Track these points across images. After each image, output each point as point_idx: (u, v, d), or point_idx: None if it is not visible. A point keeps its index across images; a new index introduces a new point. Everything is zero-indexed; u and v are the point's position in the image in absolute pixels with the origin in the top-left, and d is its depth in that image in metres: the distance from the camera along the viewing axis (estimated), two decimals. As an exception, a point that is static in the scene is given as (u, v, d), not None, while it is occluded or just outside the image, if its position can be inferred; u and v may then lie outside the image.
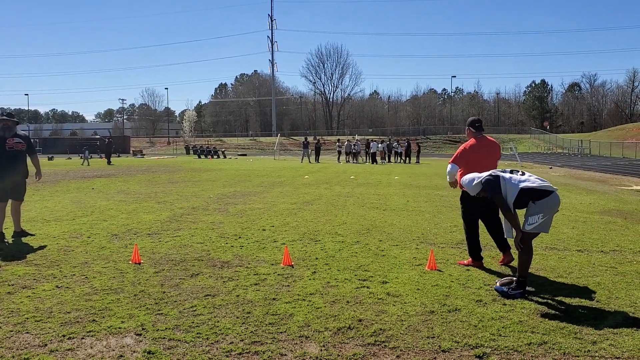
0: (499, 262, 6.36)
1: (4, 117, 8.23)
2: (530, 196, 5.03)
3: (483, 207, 6.29)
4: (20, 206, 8.41)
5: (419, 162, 39.37)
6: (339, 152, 42.56)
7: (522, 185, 5.05)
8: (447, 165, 6.54)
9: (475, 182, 5.33)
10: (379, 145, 40.86)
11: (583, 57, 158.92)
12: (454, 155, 6.46)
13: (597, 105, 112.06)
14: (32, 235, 8.18)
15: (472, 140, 6.41)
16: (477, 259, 6.25)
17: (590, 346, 3.84)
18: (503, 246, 6.33)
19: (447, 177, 6.61)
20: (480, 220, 6.43)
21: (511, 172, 5.29)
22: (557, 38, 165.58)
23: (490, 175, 5.23)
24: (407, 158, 40.00)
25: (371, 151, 38.73)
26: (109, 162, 36.12)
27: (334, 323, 4.30)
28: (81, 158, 38.93)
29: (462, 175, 6.26)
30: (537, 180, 5.14)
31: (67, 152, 61.49)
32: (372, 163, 37.66)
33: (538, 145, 71.28)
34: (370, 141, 42.03)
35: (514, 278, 5.18)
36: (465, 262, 6.33)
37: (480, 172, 5.83)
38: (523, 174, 5.24)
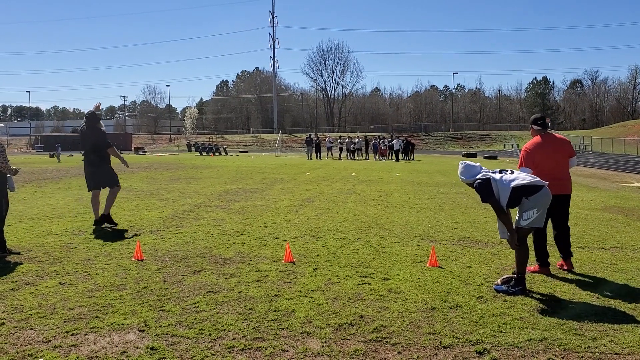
0: (557, 264, 6.03)
1: None
2: (523, 193, 5.06)
3: (554, 213, 5.92)
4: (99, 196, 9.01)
5: (412, 159, 39.35)
6: (329, 149, 43.31)
7: (513, 184, 5.08)
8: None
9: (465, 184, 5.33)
10: (394, 142, 40.74)
11: (585, 54, 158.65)
12: (520, 160, 6.05)
13: (598, 102, 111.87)
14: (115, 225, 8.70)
15: (535, 139, 6.04)
16: (544, 265, 5.90)
17: (590, 342, 3.86)
18: (566, 253, 5.96)
19: None
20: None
21: (500, 172, 5.28)
22: (559, 34, 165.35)
23: (480, 178, 5.19)
24: (405, 156, 40.05)
25: (395, 148, 38.83)
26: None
27: (335, 319, 4.32)
28: (51, 156, 38.85)
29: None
30: (526, 177, 5.18)
31: (69, 149, 61.55)
32: (397, 160, 37.64)
33: (540, 142, 71.05)
34: (389, 139, 42.21)
35: (513, 276, 5.19)
36: (531, 268, 5.91)
37: (548, 172, 5.76)
38: (512, 172, 5.26)
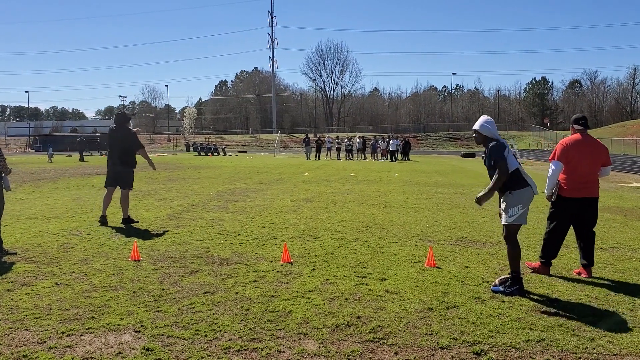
0: (574, 271, 5.89)
1: None
2: (514, 181, 5.08)
3: (581, 215, 5.79)
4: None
5: (408, 159, 39.34)
6: (329, 149, 43.33)
7: (517, 165, 5.14)
8: (549, 166, 5.86)
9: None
10: (391, 142, 40.70)
11: (584, 54, 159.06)
12: (554, 152, 5.86)
13: (597, 102, 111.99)
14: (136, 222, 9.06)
15: (574, 135, 5.84)
16: (547, 265, 5.81)
17: (588, 343, 3.85)
18: (588, 260, 5.73)
19: (548, 182, 5.85)
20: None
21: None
22: (558, 34, 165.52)
23: (498, 140, 5.14)
24: (404, 156, 40.09)
25: (390, 149, 38.86)
26: (81, 159, 36.99)
27: (332, 320, 4.30)
28: (48, 156, 38.72)
29: (561, 177, 5.75)
30: (524, 171, 5.25)
31: (68, 150, 61.51)
32: (393, 160, 37.64)
33: (538, 142, 71.23)
34: (386, 139, 42.31)
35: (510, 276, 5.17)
36: (533, 264, 5.90)
37: (579, 171, 5.67)
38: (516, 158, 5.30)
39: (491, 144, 5.15)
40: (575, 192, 5.71)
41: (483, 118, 5.30)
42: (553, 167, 5.80)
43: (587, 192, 5.75)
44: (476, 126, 5.25)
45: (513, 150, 5.26)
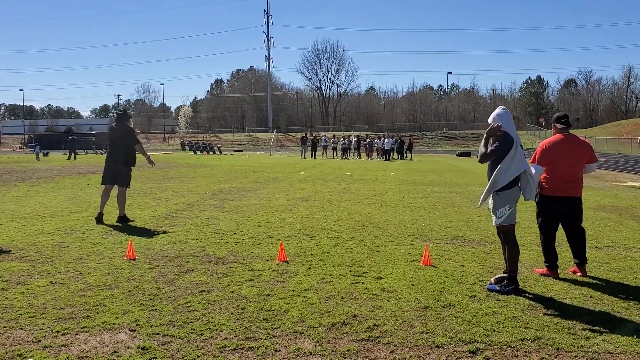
0: (569, 269, 5.92)
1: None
2: (506, 181, 5.03)
3: (566, 215, 5.82)
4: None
5: (406, 158, 39.35)
6: (325, 148, 43.44)
7: (526, 167, 5.07)
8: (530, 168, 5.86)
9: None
10: (385, 141, 40.78)
11: (579, 53, 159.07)
12: (534, 155, 5.85)
13: (592, 101, 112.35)
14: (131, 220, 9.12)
15: (555, 136, 5.83)
16: (552, 268, 5.71)
17: (583, 341, 3.86)
18: (580, 259, 5.78)
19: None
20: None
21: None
22: (553, 34, 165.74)
23: (507, 134, 5.06)
24: (400, 155, 40.24)
25: (386, 148, 38.87)
26: (74, 158, 36.76)
27: (328, 319, 4.30)
28: (45, 155, 38.38)
29: (544, 177, 5.77)
30: (531, 173, 5.22)
31: (62, 148, 61.31)
32: (387, 159, 37.67)
33: (534, 141, 71.27)
34: (381, 138, 42.38)
35: (506, 275, 5.18)
36: (540, 270, 5.81)
37: (561, 172, 5.63)
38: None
39: (501, 135, 5.05)
40: (557, 191, 5.71)
41: (497, 110, 5.22)
42: (533, 171, 5.76)
43: (570, 191, 5.75)
44: (490, 119, 5.20)
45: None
